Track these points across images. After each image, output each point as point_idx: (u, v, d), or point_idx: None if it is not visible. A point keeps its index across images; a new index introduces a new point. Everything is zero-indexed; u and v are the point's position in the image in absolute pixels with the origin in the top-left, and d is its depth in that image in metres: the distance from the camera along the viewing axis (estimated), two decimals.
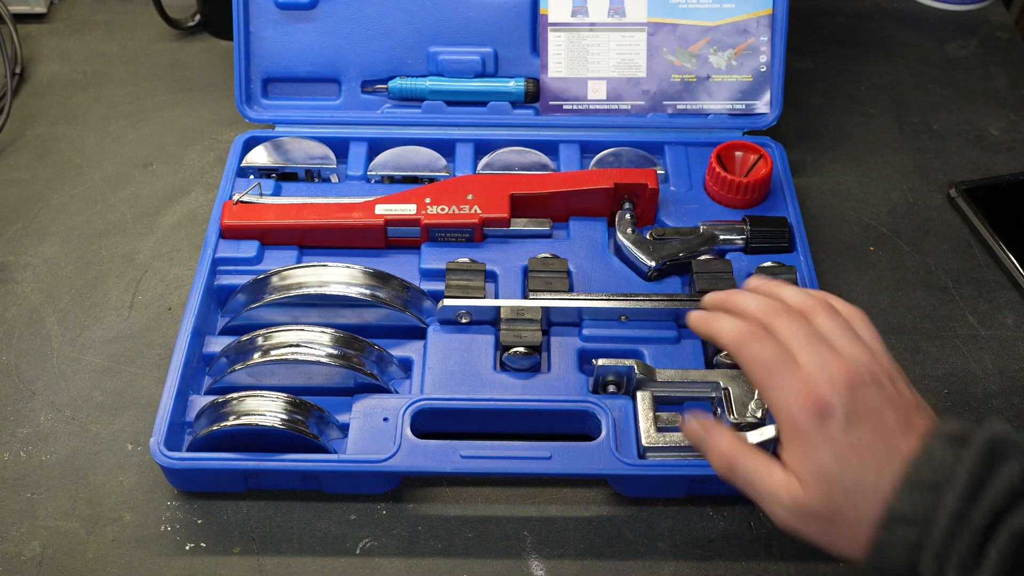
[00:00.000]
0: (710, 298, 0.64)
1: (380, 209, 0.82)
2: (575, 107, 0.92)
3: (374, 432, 0.71)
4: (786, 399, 0.54)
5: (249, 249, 0.81)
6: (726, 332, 0.58)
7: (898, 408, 0.53)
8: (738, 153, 0.88)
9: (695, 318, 0.62)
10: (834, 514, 0.52)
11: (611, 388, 0.73)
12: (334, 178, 0.89)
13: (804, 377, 0.54)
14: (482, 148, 0.90)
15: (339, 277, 0.76)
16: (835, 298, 0.60)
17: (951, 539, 0.48)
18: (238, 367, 0.72)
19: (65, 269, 0.86)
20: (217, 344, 0.76)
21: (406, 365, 0.76)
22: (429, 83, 0.91)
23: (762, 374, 0.56)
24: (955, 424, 0.52)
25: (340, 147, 0.90)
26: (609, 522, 0.70)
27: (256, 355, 0.72)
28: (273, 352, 0.72)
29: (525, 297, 0.79)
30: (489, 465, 0.69)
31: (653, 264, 0.80)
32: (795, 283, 0.78)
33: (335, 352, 0.72)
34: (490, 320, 0.77)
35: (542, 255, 0.81)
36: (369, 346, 0.73)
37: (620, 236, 0.82)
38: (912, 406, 0.54)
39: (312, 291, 0.75)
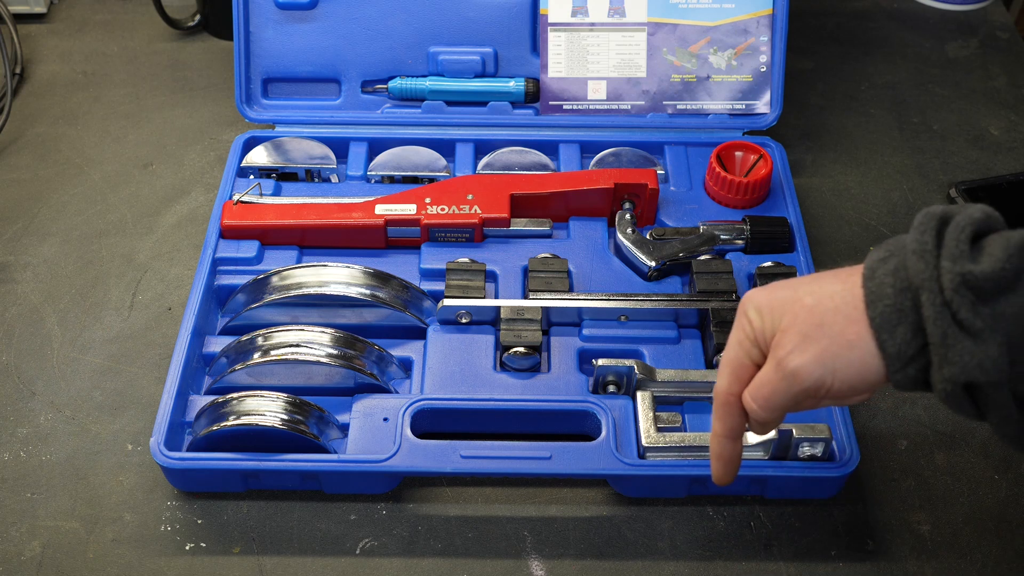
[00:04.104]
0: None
1: (380, 209, 0.82)
2: (575, 107, 0.92)
3: (374, 432, 0.71)
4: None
5: (249, 249, 0.81)
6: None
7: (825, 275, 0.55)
8: (738, 153, 0.88)
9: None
10: (820, 323, 0.52)
11: (611, 388, 0.73)
12: (334, 178, 0.89)
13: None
14: (482, 148, 0.90)
15: (339, 277, 0.76)
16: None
17: (924, 242, 0.50)
18: (238, 367, 0.72)
19: (65, 269, 0.86)
20: (217, 344, 0.76)
21: (406, 365, 0.76)
22: (429, 83, 0.91)
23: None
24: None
25: (340, 147, 0.90)
26: (609, 522, 0.70)
27: (256, 355, 0.72)
28: (273, 352, 0.72)
29: (525, 297, 0.79)
30: (489, 465, 0.69)
31: (653, 264, 0.80)
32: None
33: (335, 352, 0.72)
34: (490, 320, 0.77)
35: (542, 255, 0.81)
36: (369, 346, 0.73)
37: (620, 236, 0.82)
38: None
39: (312, 291, 0.75)
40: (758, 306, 0.55)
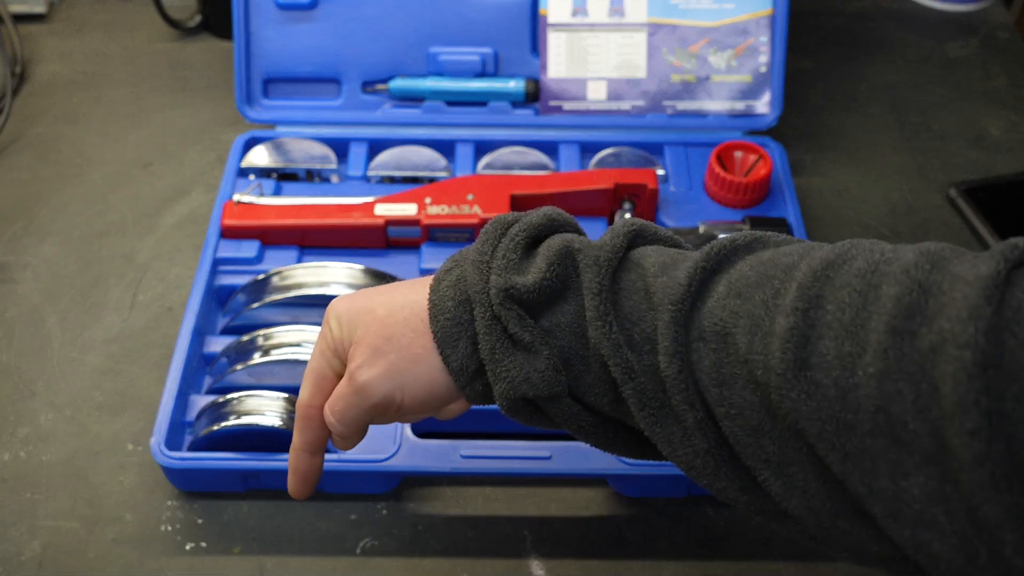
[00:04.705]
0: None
1: (380, 209, 0.82)
2: (575, 107, 0.92)
3: (374, 432, 0.70)
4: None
5: (249, 249, 0.81)
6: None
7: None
8: (738, 153, 0.88)
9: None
10: (390, 336, 0.51)
11: None
12: (334, 178, 0.89)
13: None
14: (482, 148, 0.90)
15: (339, 277, 0.76)
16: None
17: (483, 252, 0.49)
18: (239, 367, 0.72)
19: (65, 269, 0.86)
20: (218, 344, 0.76)
21: None
22: (429, 83, 0.91)
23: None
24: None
25: (340, 147, 0.90)
26: (609, 522, 0.70)
27: (257, 355, 0.72)
28: (274, 352, 0.72)
29: None
30: (489, 465, 0.69)
31: None
32: None
33: None
34: None
35: None
36: None
37: None
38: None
39: (312, 291, 0.75)
40: (338, 315, 0.53)
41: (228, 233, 0.82)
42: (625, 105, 0.91)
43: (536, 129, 0.91)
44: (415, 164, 0.88)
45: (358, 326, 0.52)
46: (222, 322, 0.79)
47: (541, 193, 0.83)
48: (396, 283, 0.54)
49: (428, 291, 0.51)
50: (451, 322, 0.49)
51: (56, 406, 0.76)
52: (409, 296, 0.52)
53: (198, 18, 1.07)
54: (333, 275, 0.76)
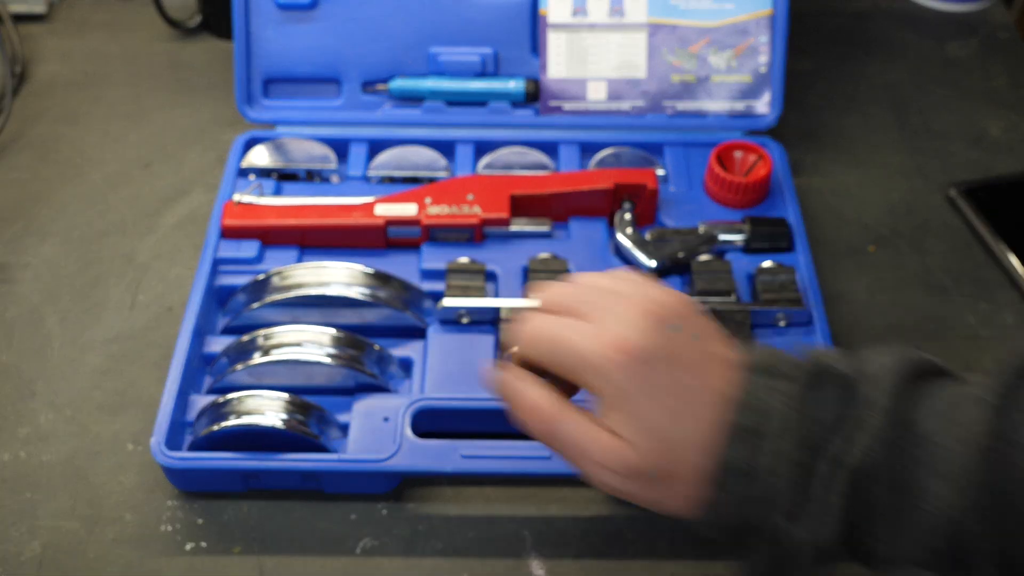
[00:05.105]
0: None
1: (380, 209, 0.82)
2: (575, 107, 0.92)
3: (374, 432, 0.71)
4: (586, 354, 0.50)
5: (249, 249, 0.81)
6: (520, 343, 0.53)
7: (705, 338, 0.51)
8: (738, 153, 0.88)
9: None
10: (665, 472, 0.49)
11: None
12: (334, 178, 0.89)
13: (600, 329, 0.50)
14: (482, 148, 0.90)
15: (339, 277, 0.76)
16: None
17: (781, 486, 0.47)
18: (239, 367, 0.72)
19: (65, 269, 0.86)
20: (218, 344, 0.76)
21: (406, 365, 0.76)
22: (429, 83, 0.91)
23: (549, 347, 0.51)
24: (767, 355, 0.50)
25: (340, 147, 0.90)
26: (609, 522, 0.70)
27: (257, 355, 0.72)
28: (274, 352, 0.72)
29: (525, 297, 0.79)
30: (489, 465, 0.69)
31: (653, 264, 0.80)
32: (793, 283, 0.78)
33: (336, 352, 0.72)
34: (490, 320, 0.77)
35: (542, 255, 0.81)
36: (369, 346, 0.73)
37: (620, 236, 0.82)
38: (717, 335, 0.51)
39: (312, 291, 0.75)
40: (630, 414, 0.50)
41: (228, 233, 0.82)
42: (625, 105, 0.91)
43: (536, 129, 0.91)
44: (415, 164, 0.88)
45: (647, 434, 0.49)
46: (222, 322, 0.79)
47: (541, 193, 0.83)
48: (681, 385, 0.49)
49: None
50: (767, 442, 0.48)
51: (56, 406, 0.76)
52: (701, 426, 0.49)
53: (198, 18, 1.07)
54: (333, 275, 0.76)
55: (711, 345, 0.51)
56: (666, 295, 0.52)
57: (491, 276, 0.81)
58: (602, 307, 0.51)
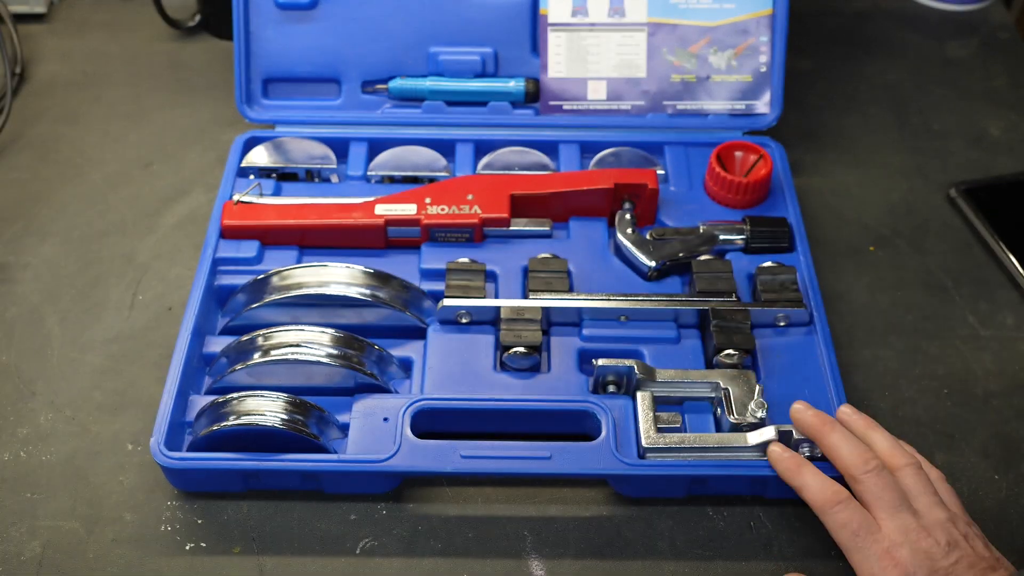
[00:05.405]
0: (802, 417, 0.66)
1: (380, 209, 0.82)
2: (575, 107, 0.92)
3: (374, 432, 0.71)
4: (871, 566, 0.60)
5: (249, 249, 0.81)
6: (813, 491, 0.64)
7: (976, 569, 0.58)
8: (738, 153, 0.88)
9: (780, 460, 0.66)
10: None
11: (611, 388, 0.73)
12: (334, 178, 0.89)
13: (888, 545, 0.60)
14: (482, 148, 0.90)
15: (339, 277, 0.76)
16: (919, 456, 0.66)
17: None
18: (238, 367, 0.72)
19: (65, 269, 0.86)
20: (217, 344, 0.76)
21: (406, 365, 0.76)
22: (429, 83, 0.91)
23: (847, 537, 0.61)
24: None
25: (340, 147, 0.90)
26: (609, 522, 0.70)
27: (256, 355, 0.72)
28: (273, 352, 0.72)
29: (525, 297, 0.79)
30: (489, 465, 0.69)
31: (653, 264, 0.80)
32: (793, 283, 0.78)
33: (335, 352, 0.72)
34: (490, 320, 0.77)
35: (542, 255, 0.81)
36: (369, 346, 0.73)
37: (620, 236, 0.82)
38: (989, 564, 0.59)
39: (312, 291, 0.75)
40: None
41: (228, 233, 0.82)
42: (625, 105, 0.91)
43: (536, 129, 0.91)
44: (415, 164, 0.88)
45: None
46: (222, 322, 0.79)
47: (541, 193, 0.83)
48: None
49: None
50: None
51: (56, 406, 0.76)
52: None
53: (198, 18, 1.07)
54: (333, 275, 0.76)
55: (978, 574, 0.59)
56: (950, 522, 0.61)
57: (491, 276, 0.81)
58: (896, 518, 0.61)
